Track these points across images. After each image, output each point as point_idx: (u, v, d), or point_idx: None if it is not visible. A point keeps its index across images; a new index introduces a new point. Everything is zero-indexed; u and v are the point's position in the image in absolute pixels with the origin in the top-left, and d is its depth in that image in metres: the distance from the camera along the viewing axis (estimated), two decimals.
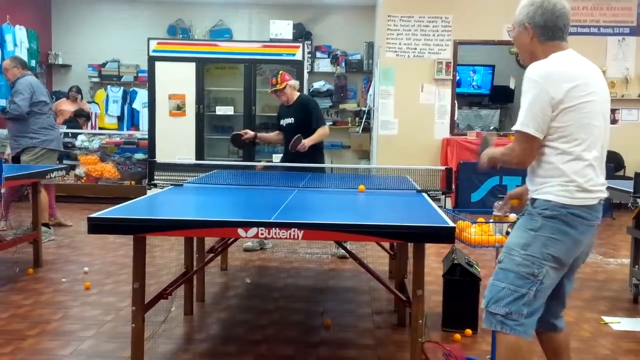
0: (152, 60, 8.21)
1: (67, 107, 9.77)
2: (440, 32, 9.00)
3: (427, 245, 3.07)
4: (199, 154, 8.18)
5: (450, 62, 9.00)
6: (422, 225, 2.81)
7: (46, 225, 6.19)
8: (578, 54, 2.41)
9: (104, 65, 10.61)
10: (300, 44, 8.29)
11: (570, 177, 2.28)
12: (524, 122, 2.28)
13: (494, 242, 3.63)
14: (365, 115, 9.89)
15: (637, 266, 4.56)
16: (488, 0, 8.81)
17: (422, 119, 9.04)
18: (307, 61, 9.16)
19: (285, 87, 5.65)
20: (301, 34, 10.01)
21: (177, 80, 8.18)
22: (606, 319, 4.17)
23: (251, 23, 10.55)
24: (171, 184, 4.20)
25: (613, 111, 9.12)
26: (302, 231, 2.71)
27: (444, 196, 6.66)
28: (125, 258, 5.51)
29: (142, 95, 10.20)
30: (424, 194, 3.98)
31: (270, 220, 2.77)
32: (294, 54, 8.15)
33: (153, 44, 8.22)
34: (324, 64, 10.36)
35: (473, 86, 11.02)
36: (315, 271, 5.35)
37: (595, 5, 8.96)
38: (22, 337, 3.62)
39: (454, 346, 3.46)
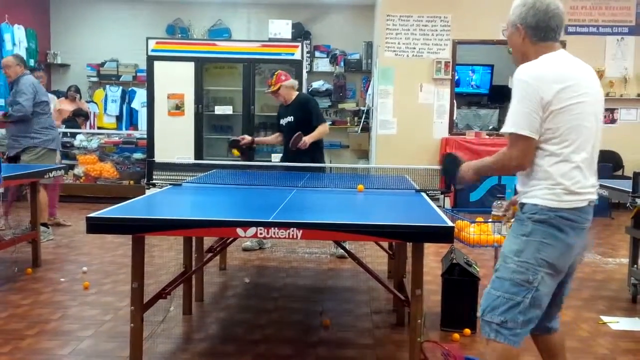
0: (150, 60, 8.21)
1: (66, 106, 9.77)
2: (439, 31, 9.00)
3: (426, 245, 3.08)
4: (198, 154, 8.18)
5: (449, 62, 9.00)
6: (420, 225, 2.81)
7: (45, 225, 6.19)
8: (569, 55, 2.38)
9: (102, 64, 10.60)
10: (299, 44, 8.29)
11: (557, 179, 2.25)
12: (517, 123, 2.24)
13: (492, 241, 3.64)
14: (364, 115, 9.89)
15: (635, 266, 4.56)
16: (487, 0, 8.80)
17: (421, 119, 9.04)
18: (306, 61, 9.15)
19: (279, 89, 5.66)
20: (300, 33, 10.01)
21: (176, 79, 8.18)
22: (605, 318, 4.17)
23: (250, 22, 10.55)
24: (170, 184, 4.19)
25: (612, 111, 9.14)
26: (301, 231, 2.71)
27: (442, 196, 6.67)
28: (123, 258, 5.50)
29: (140, 94, 10.20)
30: (423, 194, 3.98)
31: (269, 220, 2.77)
32: (292, 54, 8.15)
33: (152, 44, 8.22)
34: (322, 64, 10.36)
35: (472, 86, 11.02)
36: (314, 271, 5.35)
37: (594, 4, 8.96)
38: (20, 336, 3.62)
39: (453, 346, 3.46)
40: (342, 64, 10.28)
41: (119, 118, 10.62)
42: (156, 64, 8.18)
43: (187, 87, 8.18)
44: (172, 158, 7.46)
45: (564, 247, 2.28)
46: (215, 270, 5.21)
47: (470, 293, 3.80)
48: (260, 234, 2.72)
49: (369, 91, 9.73)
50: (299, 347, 3.57)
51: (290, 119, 5.66)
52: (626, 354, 3.58)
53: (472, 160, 2.59)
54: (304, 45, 8.46)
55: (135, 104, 10.50)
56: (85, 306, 4.23)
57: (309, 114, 5.69)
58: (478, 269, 3.94)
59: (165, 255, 5.58)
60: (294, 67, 8.10)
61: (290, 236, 2.71)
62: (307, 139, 5.48)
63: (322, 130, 5.68)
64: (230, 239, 4.57)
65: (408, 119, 9.03)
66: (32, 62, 9.82)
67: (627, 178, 6.71)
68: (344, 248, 3.90)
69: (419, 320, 2.95)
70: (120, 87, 10.56)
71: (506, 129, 2.27)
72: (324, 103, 10.17)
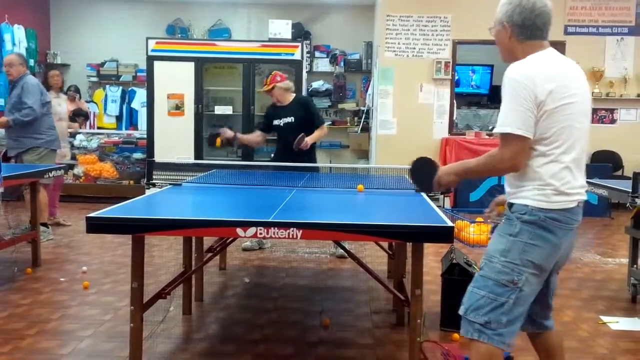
0: (150, 60, 8.21)
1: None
2: (439, 31, 9.00)
3: (426, 245, 3.08)
4: (198, 154, 8.18)
5: (449, 62, 9.00)
6: (420, 225, 2.81)
7: (45, 224, 6.19)
8: (558, 53, 2.36)
9: (102, 64, 10.60)
10: (299, 44, 8.29)
11: (547, 180, 2.24)
12: (511, 123, 2.19)
13: None
14: (364, 115, 9.89)
15: (635, 266, 4.56)
16: (487, 0, 8.80)
17: (421, 119, 9.04)
18: (306, 61, 9.16)
19: (272, 89, 5.68)
20: (300, 33, 10.01)
21: (175, 79, 8.18)
22: (604, 318, 4.17)
23: (250, 23, 10.55)
24: (170, 184, 4.19)
25: (612, 111, 9.15)
26: (301, 231, 2.71)
27: (442, 196, 6.66)
28: (123, 257, 5.50)
29: (140, 94, 10.20)
30: (423, 194, 3.98)
31: (269, 220, 2.77)
32: (292, 54, 8.15)
33: (152, 44, 8.22)
34: (322, 64, 10.36)
35: (472, 86, 11.04)
36: (314, 271, 5.35)
37: (594, 5, 8.97)
38: (20, 336, 3.62)
39: (453, 345, 3.46)
40: (342, 64, 10.28)
41: (118, 118, 10.62)
42: (156, 64, 8.18)
43: (187, 87, 8.18)
44: (172, 158, 7.46)
45: (551, 248, 2.27)
46: (215, 270, 5.21)
47: None
48: (260, 234, 2.72)
49: (369, 91, 9.73)
50: (298, 347, 3.58)
51: (290, 119, 5.66)
52: (626, 354, 3.58)
53: (451, 163, 2.54)
54: (304, 45, 8.47)
55: (135, 104, 10.50)
56: (85, 306, 4.23)
57: (311, 115, 5.75)
58: (478, 269, 3.94)
59: (165, 255, 5.58)
60: (294, 67, 8.11)
61: (290, 236, 2.71)
62: (309, 140, 5.53)
63: (323, 131, 5.77)
64: (230, 239, 4.57)
65: (408, 119, 9.03)
66: (32, 62, 9.82)
67: (627, 178, 6.71)
68: (343, 248, 3.90)
69: (419, 320, 2.95)
70: (120, 87, 10.56)
71: (500, 129, 2.23)
72: (323, 103, 10.18)
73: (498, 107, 2.31)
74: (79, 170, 8.95)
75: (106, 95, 10.59)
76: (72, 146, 9.12)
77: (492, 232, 2.79)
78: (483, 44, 9.21)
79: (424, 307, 3.11)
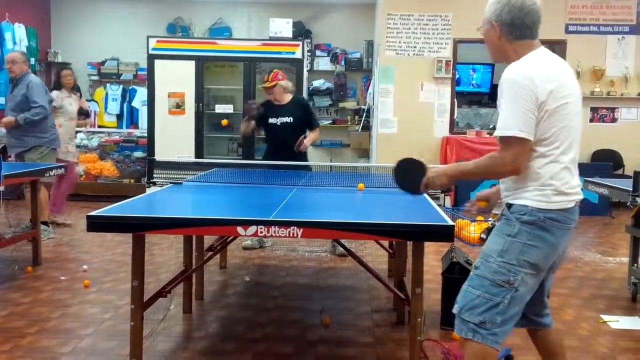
0: (151, 59, 8.20)
1: None
2: (440, 30, 8.99)
3: (426, 244, 3.08)
4: (198, 152, 8.18)
5: (450, 61, 9.00)
6: (421, 224, 2.81)
7: (45, 223, 6.19)
8: (551, 53, 2.35)
9: (103, 63, 10.59)
10: (300, 42, 8.28)
11: (547, 181, 2.23)
12: (514, 125, 2.16)
13: None
14: (364, 114, 9.89)
15: (635, 265, 4.56)
16: None
17: (422, 118, 9.03)
18: (307, 59, 9.15)
19: (274, 86, 5.67)
20: (301, 32, 10.00)
21: (176, 78, 8.18)
22: (605, 317, 4.17)
23: (251, 21, 10.54)
24: (170, 182, 4.20)
25: (612, 110, 9.14)
26: (302, 229, 2.72)
27: (443, 195, 6.66)
28: (124, 256, 5.51)
29: (141, 93, 10.19)
30: (424, 193, 3.97)
31: (270, 219, 2.77)
32: (293, 52, 8.15)
33: (152, 42, 8.22)
34: (323, 62, 10.35)
35: (473, 85, 11.02)
36: (314, 269, 5.35)
37: (595, 3, 8.96)
38: (21, 335, 3.62)
39: (453, 344, 3.46)
40: (342, 62, 10.27)
41: (119, 117, 10.62)
42: (157, 62, 8.18)
43: (188, 86, 8.18)
44: (173, 157, 7.47)
45: (549, 248, 2.27)
46: (215, 268, 5.21)
47: None
48: (261, 232, 2.72)
49: (370, 90, 9.73)
50: (299, 346, 3.58)
51: (288, 119, 5.65)
52: (626, 352, 3.58)
53: (443, 165, 2.49)
54: (305, 44, 8.46)
55: (135, 103, 10.50)
56: (85, 304, 4.23)
57: (309, 117, 5.82)
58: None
59: (166, 254, 5.58)
60: (295, 66, 8.10)
61: (291, 235, 2.71)
62: (307, 142, 5.63)
63: (318, 134, 5.88)
64: (230, 238, 4.57)
65: (409, 117, 9.02)
66: (32, 61, 9.82)
67: (628, 177, 6.71)
68: (344, 247, 3.90)
69: (419, 319, 2.95)
70: (121, 86, 10.56)
71: (502, 132, 2.19)
72: (324, 102, 10.18)
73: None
74: (79, 168, 8.94)
75: (107, 94, 10.58)
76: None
77: (487, 232, 2.77)
78: (484, 43, 9.21)
79: (425, 305, 3.11)
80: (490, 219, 3.59)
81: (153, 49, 8.19)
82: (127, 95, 10.58)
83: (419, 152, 8.74)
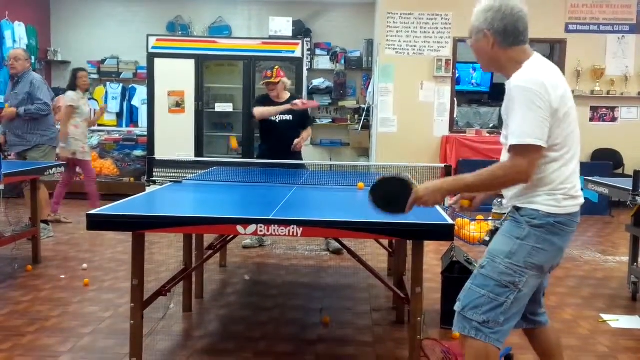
0: (151, 57, 8.21)
1: None
2: (439, 29, 8.99)
3: (426, 243, 3.08)
4: (198, 151, 8.18)
5: (450, 60, 8.99)
6: (421, 223, 2.80)
7: (45, 222, 6.19)
8: (546, 59, 2.35)
9: (103, 61, 10.58)
10: (300, 41, 8.28)
11: (558, 185, 2.25)
12: (531, 133, 2.12)
13: None
14: (364, 113, 9.88)
15: (635, 264, 4.56)
16: None
17: (422, 117, 9.03)
18: (307, 58, 9.15)
19: (279, 82, 5.68)
20: (300, 31, 9.99)
21: (176, 77, 8.18)
22: (605, 316, 4.17)
23: (250, 20, 10.53)
24: (170, 181, 4.19)
25: (612, 109, 9.14)
26: (301, 228, 2.72)
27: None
28: (124, 255, 5.51)
29: (141, 92, 10.19)
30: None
31: (270, 217, 2.77)
32: (293, 51, 8.15)
33: (152, 41, 8.22)
34: (323, 61, 10.34)
35: (472, 84, 11.03)
36: (314, 268, 5.35)
37: (595, 3, 8.95)
38: (20, 333, 3.62)
39: (453, 343, 3.46)
40: (342, 61, 10.27)
41: (119, 115, 10.61)
42: (157, 61, 8.18)
43: (188, 85, 8.18)
44: (173, 155, 7.46)
45: (556, 251, 2.29)
46: (215, 267, 5.21)
47: None
48: (261, 231, 2.72)
49: (370, 89, 9.73)
50: (298, 345, 3.58)
51: (287, 117, 5.65)
52: (626, 352, 3.58)
53: (436, 181, 2.36)
54: (305, 43, 8.46)
55: (135, 101, 10.49)
56: (85, 303, 4.23)
57: (307, 116, 5.87)
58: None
59: (166, 253, 5.58)
60: (295, 65, 8.10)
61: (291, 234, 2.72)
62: (302, 142, 5.65)
63: (310, 132, 5.88)
64: (230, 237, 4.57)
65: (408, 116, 9.02)
66: (32, 59, 9.80)
67: (628, 176, 6.71)
68: (341, 243, 3.90)
69: (419, 318, 2.95)
70: (121, 84, 10.55)
71: (519, 139, 2.14)
72: (324, 101, 10.17)
73: (499, 105, 2.29)
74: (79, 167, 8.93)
75: (106, 93, 10.58)
76: None
77: (490, 235, 2.75)
78: None
79: (424, 305, 3.11)
80: (490, 218, 3.59)
81: (153, 47, 8.19)
82: (126, 94, 10.57)
83: (418, 151, 8.75)
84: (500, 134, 2.42)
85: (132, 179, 8.96)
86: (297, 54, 8.14)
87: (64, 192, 7.12)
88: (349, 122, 10.27)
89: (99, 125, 10.37)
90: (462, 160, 8.32)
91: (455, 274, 3.83)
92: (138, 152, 9.09)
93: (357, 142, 10.08)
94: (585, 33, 8.97)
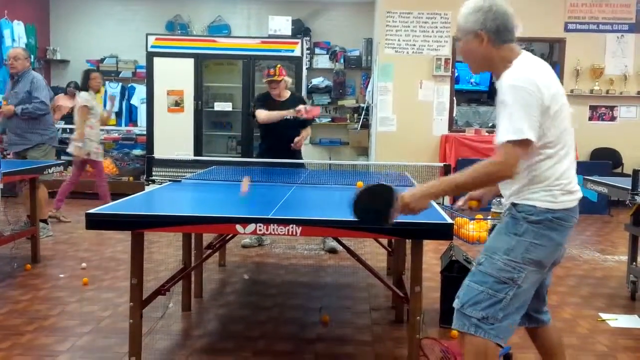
0: (150, 56, 8.19)
1: (65, 102, 9.76)
2: (439, 28, 8.99)
3: (425, 242, 3.08)
4: (197, 150, 8.17)
5: (449, 59, 8.99)
6: (420, 222, 2.80)
7: (44, 221, 6.18)
8: (534, 56, 2.36)
9: (102, 60, 10.58)
10: (299, 40, 8.28)
11: (554, 181, 2.26)
12: (524, 129, 2.13)
13: None
14: (363, 112, 9.88)
15: (634, 263, 4.57)
16: None
17: (421, 116, 9.03)
18: (306, 57, 9.14)
19: (281, 81, 5.67)
20: (300, 30, 9.99)
21: (175, 76, 8.17)
22: (603, 316, 4.17)
23: (250, 19, 10.53)
24: (169, 180, 4.19)
25: (612, 108, 9.15)
26: (301, 227, 2.72)
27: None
28: (123, 254, 5.51)
29: (140, 91, 10.19)
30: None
31: (269, 217, 2.77)
32: (292, 50, 8.14)
33: (151, 40, 8.20)
34: (322, 60, 10.34)
35: (472, 83, 11.02)
36: (313, 267, 5.35)
37: (595, 2, 8.95)
38: (19, 332, 3.62)
39: (452, 342, 3.46)
40: (341, 60, 10.27)
41: (118, 114, 10.59)
42: (156, 60, 8.17)
43: (187, 84, 8.17)
44: (172, 154, 7.45)
45: (554, 246, 2.30)
46: (214, 266, 5.21)
47: None
48: (260, 230, 2.72)
49: (369, 88, 9.73)
50: (297, 344, 3.58)
51: (288, 116, 5.65)
52: (625, 351, 3.58)
53: (422, 186, 2.34)
54: (304, 42, 8.46)
55: (134, 100, 10.49)
56: (84, 302, 4.23)
57: None
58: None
59: (165, 252, 5.58)
60: (294, 64, 8.09)
61: (290, 233, 2.72)
62: (302, 140, 5.63)
63: (308, 131, 5.84)
64: (229, 236, 4.57)
65: (408, 115, 9.02)
66: (31, 58, 9.79)
67: (627, 175, 6.72)
68: (343, 245, 3.89)
69: (418, 317, 2.95)
70: (120, 84, 10.55)
71: (508, 136, 2.15)
72: (323, 100, 10.17)
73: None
74: None
75: (106, 92, 10.57)
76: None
77: (490, 231, 2.75)
78: None
79: (423, 304, 3.11)
80: (489, 217, 3.59)
81: (152, 46, 8.18)
82: (126, 93, 10.57)
83: (418, 150, 8.74)
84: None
85: (131, 178, 8.96)
86: (297, 53, 8.13)
87: (70, 190, 7.13)
88: (348, 121, 10.27)
89: None
90: (461, 160, 8.32)
91: (455, 273, 3.83)
92: (137, 151, 9.08)
93: (357, 141, 10.08)
94: (584, 32, 8.97)
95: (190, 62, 8.15)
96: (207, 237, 4.58)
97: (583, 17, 8.97)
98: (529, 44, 10.07)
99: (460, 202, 2.77)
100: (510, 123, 2.17)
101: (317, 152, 10.10)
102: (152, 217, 2.88)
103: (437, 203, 3.42)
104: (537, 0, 8.68)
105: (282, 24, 8.63)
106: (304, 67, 8.53)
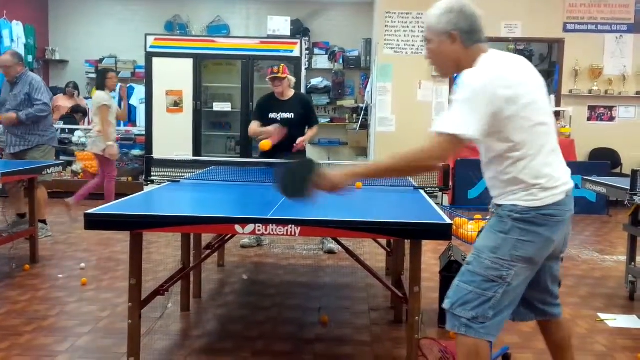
0: (149, 56, 8.19)
1: (64, 103, 9.77)
2: None
3: (424, 242, 3.08)
4: (196, 151, 8.17)
5: None
6: (419, 222, 2.81)
7: (43, 221, 6.18)
8: (504, 53, 2.36)
9: (101, 61, 10.58)
10: (298, 40, 8.27)
11: (530, 182, 2.24)
12: (456, 124, 2.18)
13: None
14: (362, 112, 9.89)
15: (633, 263, 4.57)
16: None
17: (420, 116, 9.03)
18: (305, 57, 9.13)
19: (285, 78, 5.66)
20: (299, 30, 9.99)
21: (174, 76, 8.16)
22: (602, 316, 4.18)
23: (249, 19, 10.54)
24: (168, 180, 4.19)
25: (610, 108, 9.16)
26: (299, 228, 2.72)
27: (441, 193, 6.66)
28: (122, 254, 5.50)
29: (139, 91, 10.19)
30: (421, 191, 3.98)
31: (268, 217, 2.77)
32: (291, 50, 8.13)
33: (150, 40, 8.20)
34: (321, 61, 10.35)
35: None
36: (312, 268, 5.35)
37: (593, 2, 8.96)
38: (18, 333, 3.61)
39: (451, 343, 3.46)
40: (340, 60, 10.27)
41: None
42: (155, 60, 8.16)
43: (186, 84, 8.16)
44: (171, 155, 7.44)
45: (543, 242, 2.27)
46: (213, 267, 5.21)
47: None
48: (259, 230, 2.72)
49: (368, 88, 9.73)
50: (296, 344, 3.58)
51: (289, 115, 5.64)
52: (624, 351, 3.58)
53: (350, 168, 2.44)
54: (303, 42, 8.46)
55: (133, 101, 10.48)
56: (83, 302, 4.22)
57: (311, 114, 5.79)
58: None
59: (164, 252, 5.58)
60: (293, 64, 8.08)
61: (289, 233, 2.72)
62: (303, 140, 5.58)
63: (315, 131, 5.83)
64: (228, 236, 4.57)
65: (407, 116, 9.03)
66: (30, 59, 9.81)
67: (625, 176, 6.72)
68: (342, 245, 3.89)
69: (417, 318, 2.95)
70: (119, 84, 10.54)
71: (444, 128, 2.20)
72: (322, 100, 10.18)
73: None
74: (77, 167, 8.93)
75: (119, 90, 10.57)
76: (71, 143, 9.12)
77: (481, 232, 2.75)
78: None
79: (422, 304, 3.11)
80: (488, 217, 3.59)
81: (151, 46, 8.18)
82: (120, 94, 10.56)
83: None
84: None
85: (130, 179, 8.95)
86: (296, 53, 8.13)
87: (95, 189, 7.13)
88: (347, 121, 10.28)
89: None
90: (460, 160, 8.32)
91: (453, 273, 3.77)
92: (136, 152, 9.07)
93: (356, 142, 10.09)
94: (583, 32, 8.98)
95: (189, 63, 8.14)
96: (206, 238, 4.58)
97: (582, 17, 8.98)
98: (528, 44, 10.10)
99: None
100: (450, 116, 2.22)
101: (316, 153, 10.10)
102: (151, 217, 2.88)
103: (436, 204, 3.42)
104: (536, 0, 8.70)
105: (281, 24, 8.64)
106: (303, 68, 8.53)
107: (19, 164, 5.50)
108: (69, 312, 4.02)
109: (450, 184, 5.04)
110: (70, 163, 8.87)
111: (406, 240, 3.48)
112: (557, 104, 8.99)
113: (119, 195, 3.66)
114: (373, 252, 5.43)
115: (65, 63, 10.79)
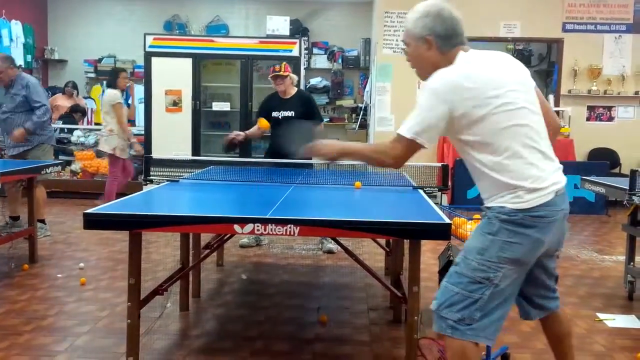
0: (148, 56, 8.19)
1: (63, 102, 9.76)
2: None
3: (423, 242, 3.08)
4: (195, 150, 8.17)
5: None
6: (418, 222, 2.81)
7: (42, 221, 6.18)
8: (481, 52, 2.34)
9: (100, 60, 10.58)
10: (297, 40, 8.28)
11: (514, 184, 2.21)
12: (413, 128, 2.27)
13: None
14: (361, 112, 9.89)
15: (632, 263, 4.57)
16: None
17: None
18: (304, 57, 9.14)
19: (287, 76, 5.65)
20: (298, 30, 9.99)
21: (173, 76, 8.16)
22: (601, 316, 4.18)
23: (248, 19, 10.53)
24: (167, 180, 4.19)
25: (609, 108, 9.16)
26: (299, 227, 2.71)
27: (440, 193, 6.66)
28: (121, 254, 5.50)
29: (138, 90, 10.18)
30: (420, 191, 3.98)
31: (267, 217, 2.77)
32: (290, 50, 8.13)
33: (149, 40, 8.20)
34: (320, 60, 10.35)
35: None
36: (311, 267, 5.35)
37: (592, 2, 8.97)
38: (17, 332, 3.61)
39: None
40: (339, 60, 10.27)
41: None
42: (154, 60, 8.16)
43: (185, 84, 8.16)
44: (170, 154, 7.45)
45: (532, 243, 2.24)
46: (212, 266, 5.21)
47: None
48: (258, 230, 2.72)
49: (367, 88, 9.73)
50: (295, 344, 3.58)
51: (290, 113, 5.63)
52: (622, 351, 3.59)
53: (339, 142, 2.66)
54: (302, 42, 8.46)
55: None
56: (81, 302, 4.22)
57: (313, 112, 5.75)
58: None
59: (163, 252, 5.58)
60: (292, 64, 8.07)
61: (288, 233, 2.71)
62: None
63: (322, 128, 5.75)
64: (227, 236, 4.57)
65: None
66: (29, 58, 9.81)
67: (624, 176, 6.72)
68: (341, 245, 3.90)
69: (416, 317, 2.95)
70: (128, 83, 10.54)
71: (405, 131, 2.29)
72: (321, 100, 10.17)
73: None
74: (76, 166, 8.93)
75: (103, 91, 10.55)
76: (70, 142, 9.11)
77: None
78: (481, 41, 9.21)
79: (421, 304, 3.11)
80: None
81: (150, 46, 8.18)
82: (124, 93, 10.54)
83: None
84: None
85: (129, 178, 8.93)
86: (295, 52, 8.13)
87: (118, 188, 7.19)
88: (346, 121, 10.28)
89: (96, 124, 10.37)
90: (459, 160, 8.32)
91: None
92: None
93: (355, 141, 10.08)
94: (582, 32, 8.99)
95: (188, 62, 8.14)
96: (205, 237, 4.58)
97: (581, 17, 8.99)
98: (527, 44, 10.10)
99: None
100: (411, 119, 2.30)
101: None
102: (150, 217, 2.88)
103: (435, 203, 3.42)
104: (536, 0, 8.70)
105: (280, 24, 8.64)
106: (302, 67, 8.54)
107: (18, 163, 5.50)
108: (68, 312, 4.02)
109: (449, 183, 5.04)
110: (69, 163, 8.87)
111: (405, 240, 3.48)
112: (556, 104, 8.99)
113: (117, 195, 3.66)
114: (372, 251, 5.43)
115: (64, 62, 10.78)
